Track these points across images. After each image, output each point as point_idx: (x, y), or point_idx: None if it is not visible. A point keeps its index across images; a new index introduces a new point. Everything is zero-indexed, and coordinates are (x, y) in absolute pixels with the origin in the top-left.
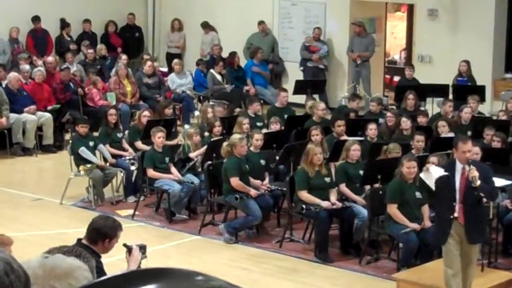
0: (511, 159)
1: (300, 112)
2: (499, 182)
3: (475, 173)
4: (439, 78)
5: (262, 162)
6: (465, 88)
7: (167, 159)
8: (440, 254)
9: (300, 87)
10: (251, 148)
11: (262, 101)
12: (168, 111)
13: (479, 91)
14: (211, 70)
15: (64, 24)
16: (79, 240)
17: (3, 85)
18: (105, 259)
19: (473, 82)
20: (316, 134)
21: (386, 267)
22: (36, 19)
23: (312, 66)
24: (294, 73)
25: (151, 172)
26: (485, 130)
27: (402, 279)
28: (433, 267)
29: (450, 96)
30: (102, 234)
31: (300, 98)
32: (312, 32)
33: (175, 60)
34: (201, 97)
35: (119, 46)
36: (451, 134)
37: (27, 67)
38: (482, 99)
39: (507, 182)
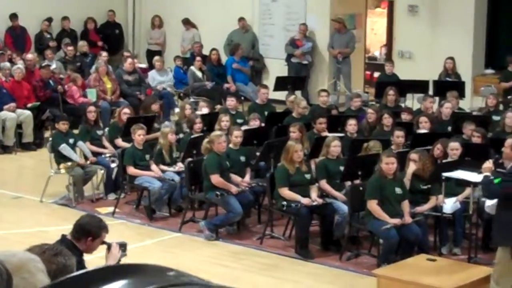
0: (491, 154)
1: (280, 108)
2: (479, 177)
3: (487, 164)
4: (420, 74)
5: (242, 158)
6: (445, 84)
7: (147, 156)
8: (420, 250)
9: (281, 84)
10: (231, 145)
11: (243, 98)
12: (155, 107)
13: (459, 87)
14: (192, 67)
15: (46, 21)
16: (63, 235)
17: None
18: (85, 256)
19: (459, 79)
20: (293, 132)
21: (367, 263)
22: (13, 16)
23: (296, 62)
24: (274, 69)
25: (131, 170)
26: (465, 125)
27: (383, 275)
28: (414, 262)
29: (430, 92)
30: (85, 231)
31: (281, 95)
32: (298, 28)
33: (156, 57)
34: (181, 94)
35: (99, 43)
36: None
37: (7, 64)
38: (461, 95)
39: (481, 177)
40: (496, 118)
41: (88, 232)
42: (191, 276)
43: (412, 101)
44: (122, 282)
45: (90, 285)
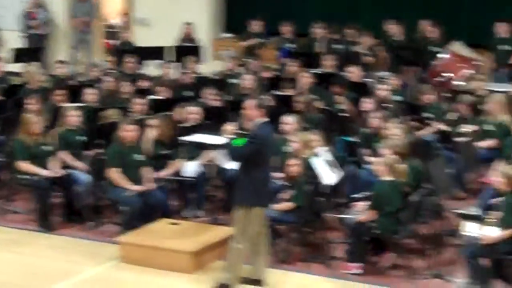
0: (229, 117)
1: (18, 81)
2: (218, 140)
3: (228, 126)
4: (158, 40)
5: None
6: (184, 49)
7: None
8: (163, 214)
9: (17, 56)
10: None
11: None
12: None
13: (198, 52)
14: None
15: None
16: None
17: None
18: None
19: (197, 44)
20: (31, 104)
21: (111, 231)
22: None
23: (32, 33)
24: (11, 41)
25: None
26: (204, 89)
27: (126, 241)
28: (157, 227)
29: (169, 58)
30: None
31: (19, 67)
32: None
33: None
34: None
35: None
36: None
37: None
38: (200, 60)
39: (225, 140)
40: (234, 81)
41: None
42: None
43: (151, 68)
44: None
45: None
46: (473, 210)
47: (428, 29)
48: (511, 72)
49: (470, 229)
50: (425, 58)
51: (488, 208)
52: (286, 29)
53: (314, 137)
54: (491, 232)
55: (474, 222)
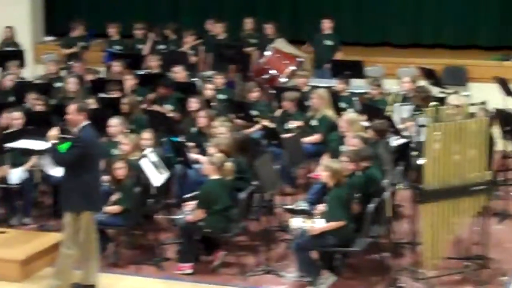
0: (54, 121)
1: None
2: (42, 145)
3: (52, 131)
4: None
5: None
6: (5, 54)
7: None
8: None
9: None
10: None
11: None
12: None
13: (19, 56)
14: None
15: None
16: None
17: None
18: None
19: (18, 48)
20: None
21: None
22: None
23: None
24: None
25: None
26: (27, 94)
27: None
28: None
29: None
30: None
31: None
32: None
33: None
34: None
35: None
36: None
37: None
38: (22, 64)
39: (49, 145)
40: (58, 84)
41: None
42: None
43: None
44: None
45: None
46: (301, 205)
47: (250, 26)
48: (333, 68)
49: (299, 223)
50: (249, 56)
51: (316, 202)
52: (113, 31)
53: (144, 136)
54: (317, 225)
55: (302, 216)
